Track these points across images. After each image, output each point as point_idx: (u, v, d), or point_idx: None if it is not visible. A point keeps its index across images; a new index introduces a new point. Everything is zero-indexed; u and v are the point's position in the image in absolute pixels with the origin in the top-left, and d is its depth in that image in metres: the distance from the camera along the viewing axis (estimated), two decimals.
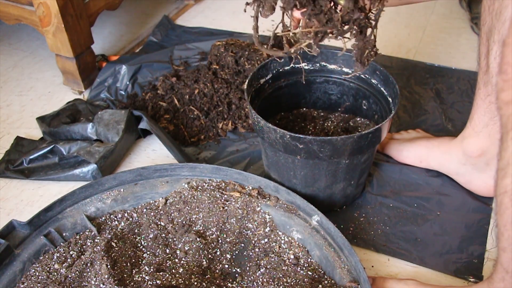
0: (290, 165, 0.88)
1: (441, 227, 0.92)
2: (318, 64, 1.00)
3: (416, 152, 1.01)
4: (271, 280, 0.80)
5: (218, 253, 0.85)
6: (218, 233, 0.87)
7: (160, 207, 0.91)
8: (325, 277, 0.80)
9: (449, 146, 0.97)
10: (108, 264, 0.78)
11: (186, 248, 0.84)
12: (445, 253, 0.88)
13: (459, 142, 0.95)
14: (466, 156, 0.94)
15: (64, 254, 0.83)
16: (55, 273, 0.80)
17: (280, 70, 0.99)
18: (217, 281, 0.80)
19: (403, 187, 1.00)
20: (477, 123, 0.90)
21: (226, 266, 0.83)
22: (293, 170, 0.88)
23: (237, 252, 0.85)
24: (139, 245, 0.86)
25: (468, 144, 0.93)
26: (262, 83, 0.97)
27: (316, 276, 0.80)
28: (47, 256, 0.82)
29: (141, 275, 0.79)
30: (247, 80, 0.92)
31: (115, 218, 0.89)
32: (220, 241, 0.86)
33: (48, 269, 0.80)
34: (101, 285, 0.76)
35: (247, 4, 0.64)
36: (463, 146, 0.94)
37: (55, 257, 0.82)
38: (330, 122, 1.05)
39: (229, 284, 0.80)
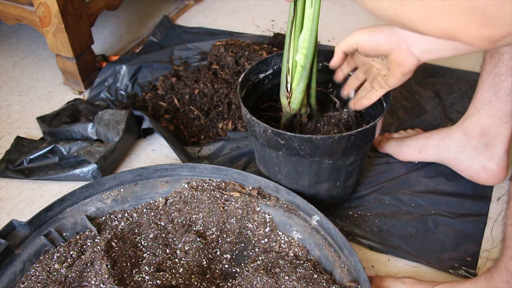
0: (275, 160, 0.88)
1: (437, 225, 0.93)
2: (320, 64, 0.99)
3: (415, 143, 1.02)
4: None
5: (218, 253, 0.85)
6: (218, 233, 0.87)
7: (160, 207, 0.91)
8: None
9: (449, 131, 0.98)
10: (108, 264, 0.78)
11: (186, 248, 0.84)
12: (441, 251, 0.88)
13: (460, 124, 0.96)
14: (467, 136, 0.94)
15: (64, 254, 0.83)
16: (55, 273, 0.80)
17: None
18: (217, 281, 0.80)
19: (400, 185, 1.00)
20: (480, 100, 0.90)
21: (226, 266, 0.83)
22: (278, 165, 0.89)
23: (237, 252, 0.85)
24: (139, 245, 0.86)
25: (469, 123, 0.93)
26: (261, 78, 0.97)
27: None
28: (47, 256, 0.82)
29: (141, 275, 0.79)
30: (243, 74, 0.92)
31: (115, 218, 0.89)
32: (220, 241, 0.86)
33: (48, 269, 0.80)
34: (101, 285, 0.76)
35: None
36: (464, 126, 0.94)
37: (55, 257, 0.82)
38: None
39: (229, 284, 0.80)
